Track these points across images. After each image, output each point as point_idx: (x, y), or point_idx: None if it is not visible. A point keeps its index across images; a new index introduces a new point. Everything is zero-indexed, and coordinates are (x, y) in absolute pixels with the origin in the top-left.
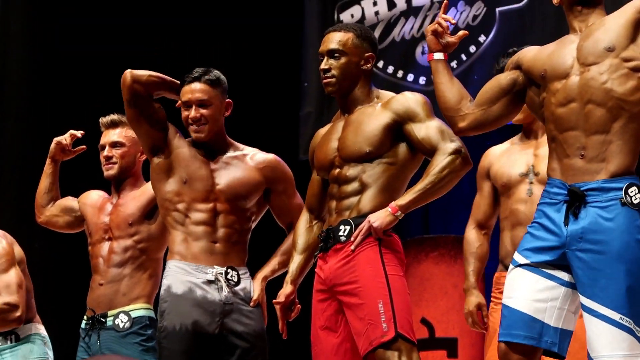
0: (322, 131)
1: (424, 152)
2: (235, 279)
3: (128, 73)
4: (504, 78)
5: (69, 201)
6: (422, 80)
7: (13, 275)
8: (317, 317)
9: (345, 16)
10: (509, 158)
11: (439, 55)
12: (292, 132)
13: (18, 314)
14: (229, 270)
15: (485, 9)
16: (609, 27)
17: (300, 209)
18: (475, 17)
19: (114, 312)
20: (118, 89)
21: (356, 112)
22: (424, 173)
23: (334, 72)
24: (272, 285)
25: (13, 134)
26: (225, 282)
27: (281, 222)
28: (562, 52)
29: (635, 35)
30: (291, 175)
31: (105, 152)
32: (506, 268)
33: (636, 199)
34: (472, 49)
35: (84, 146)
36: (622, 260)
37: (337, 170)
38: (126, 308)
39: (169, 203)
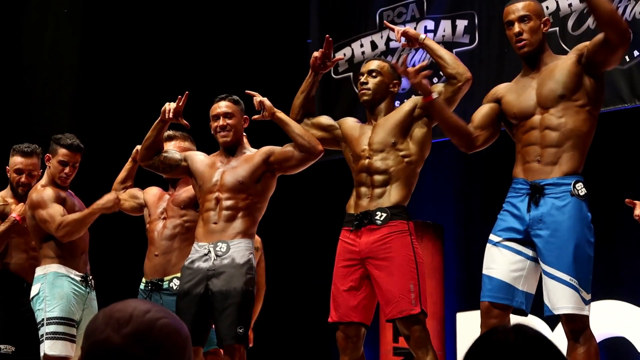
0: (351, 121)
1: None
2: (224, 249)
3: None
4: (492, 108)
5: (136, 191)
6: (396, 103)
7: None
8: (341, 277)
9: (339, 55)
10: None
11: (435, 94)
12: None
13: None
14: (218, 243)
15: None
16: (558, 79)
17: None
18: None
19: (169, 277)
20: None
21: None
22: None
23: (369, 85)
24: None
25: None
26: (214, 253)
27: (293, 148)
28: (526, 99)
29: (579, 82)
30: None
31: None
32: None
33: (582, 191)
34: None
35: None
36: (571, 237)
37: (368, 161)
38: (178, 274)
39: (198, 198)
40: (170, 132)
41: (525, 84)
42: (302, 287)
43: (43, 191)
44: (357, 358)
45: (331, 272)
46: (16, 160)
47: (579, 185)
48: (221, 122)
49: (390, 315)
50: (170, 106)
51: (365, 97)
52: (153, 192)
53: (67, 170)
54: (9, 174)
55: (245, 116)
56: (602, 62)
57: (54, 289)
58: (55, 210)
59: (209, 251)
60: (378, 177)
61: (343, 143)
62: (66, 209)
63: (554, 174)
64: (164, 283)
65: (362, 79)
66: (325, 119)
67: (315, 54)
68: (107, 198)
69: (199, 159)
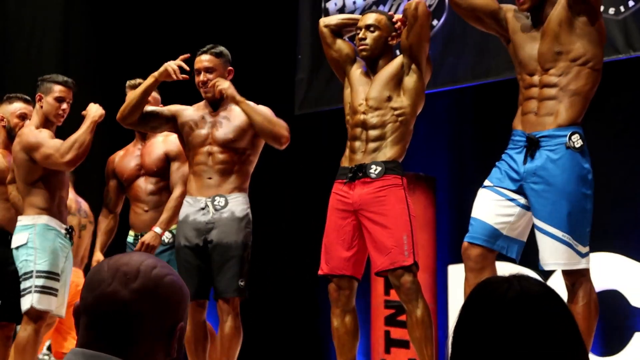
0: (359, 70)
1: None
2: (222, 204)
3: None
4: (497, 11)
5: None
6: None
7: None
8: (334, 230)
9: (330, 5)
10: None
11: None
12: (289, 94)
13: None
14: (216, 197)
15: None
16: (554, 33)
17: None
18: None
19: None
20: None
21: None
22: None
23: (368, 41)
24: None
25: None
26: (212, 206)
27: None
28: (530, 52)
29: (573, 34)
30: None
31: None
32: None
33: (578, 143)
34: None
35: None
36: (564, 191)
37: (363, 116)
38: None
39: (186, 153)
40: (136, 82)
41: (531, 32)
42: (293, 240)
43: (39, 132)
44: (349, 310)
45: (323, 224)
46: (18, 106)
47: (575, 137)
48: (202, 77)
49: (382, 266)
50: (174, 66)
51: (365, 53)
52: (119, 156)
53: (64, 106)
54: (3, 122)
55: (229, 68)
56: None
57: (44, 241)
58: (56, 142)
59: (206, 205)
60: (373, 132)
61: (347, 81)
62: None
63: (550, 125)
64: None
65: (360, 34)
66: (347, 48)
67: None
68: (94, 109)
69: (187, 114)
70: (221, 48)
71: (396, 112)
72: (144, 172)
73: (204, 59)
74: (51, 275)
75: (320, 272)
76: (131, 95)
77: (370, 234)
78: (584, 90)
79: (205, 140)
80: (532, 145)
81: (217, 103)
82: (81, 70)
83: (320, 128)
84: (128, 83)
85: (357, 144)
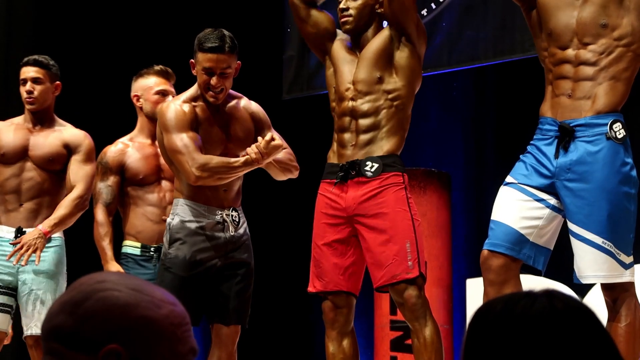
0: (341, 46)
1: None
2: (238, 219)
3: None
4: None
5: None
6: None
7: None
8: (324, 239)
9: None
10: None
11: None
12: (275, 74)
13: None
14: (233, 211)
15: None
16: (605, 1)
17: None
18: None
19: None
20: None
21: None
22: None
23: (351, 11)
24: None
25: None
26: (231, 222)
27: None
28: (565, 21)
29: (622, 6)
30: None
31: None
32: None
33: (620, 133)
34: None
35: None
36: (604, 190)
37: (352, 103)
38: None
39: None
40: (168, 70)
41: (568, 3)
42: (277, 250)
43: None
44: (347, 333)
45: (309, 232)
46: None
47: (617, 126)
48: (215, 82)
49: (382, 280)
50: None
51: (348, 26)
52: (128, 151)
53: None
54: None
55: (238, 62)
56: None
57: None
58: None
59: (224, 220)
60: (364, 122)
61: (329, 61)
62: None
63: (587, 112)
64: None
65: (342, 3)
66: (326, 20)
67: None
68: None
69: (198, 118)
70: (231, 37)
71: (390, 96)
72: (163, 176)
73: (221, 59)
74: None
75: (310, 289)
76: (227, 171)
77: (368, 244)
78: (624, 76)
79: (220, 144)
80: (566, 136)
81: (217, 105)
82: (25, 47)
83: (314, 116)
84: (157, 68)
85: (347, 136)
